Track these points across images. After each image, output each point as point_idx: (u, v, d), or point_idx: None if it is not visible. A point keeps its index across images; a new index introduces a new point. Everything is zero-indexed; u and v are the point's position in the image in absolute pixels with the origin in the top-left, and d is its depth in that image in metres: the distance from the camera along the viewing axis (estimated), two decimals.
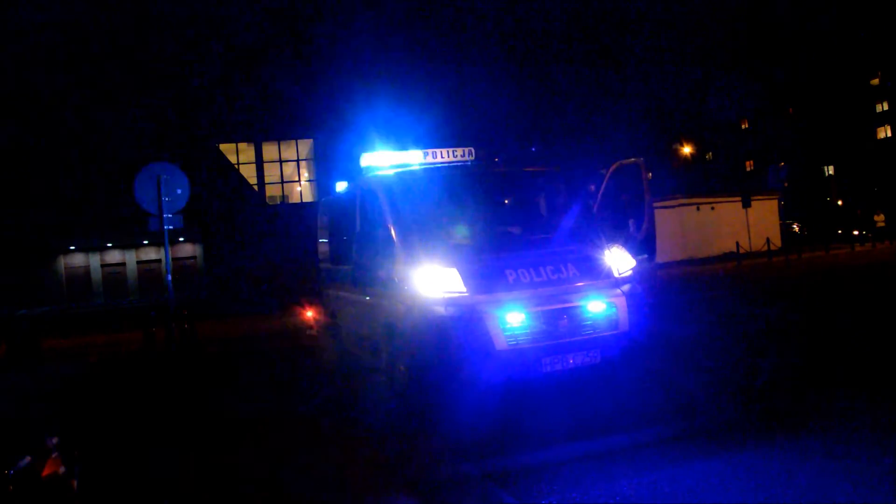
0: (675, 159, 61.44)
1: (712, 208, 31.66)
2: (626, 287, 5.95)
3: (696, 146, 62.14)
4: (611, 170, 7.37)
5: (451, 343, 5.37)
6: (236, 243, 31.63)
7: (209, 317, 18.64)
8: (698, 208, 31.46)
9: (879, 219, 34.56)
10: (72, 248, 35.99)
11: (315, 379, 8.59)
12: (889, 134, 57.97)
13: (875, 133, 59.00)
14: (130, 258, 37.11)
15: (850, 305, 11.45)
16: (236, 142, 36.01)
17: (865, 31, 56.17)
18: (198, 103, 33.25)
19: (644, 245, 6.83)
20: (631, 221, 6.94)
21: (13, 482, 3.22)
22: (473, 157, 7.05)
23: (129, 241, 35.68)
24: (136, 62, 33.17)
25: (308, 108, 35.18)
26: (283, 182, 37.46)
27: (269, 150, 36.82)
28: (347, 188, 8.00)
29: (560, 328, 5.52)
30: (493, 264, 5.73)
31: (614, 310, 5.75)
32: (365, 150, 6.93)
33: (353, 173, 7.73)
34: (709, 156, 73.05)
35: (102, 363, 11.86)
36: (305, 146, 37.37)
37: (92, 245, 35.85)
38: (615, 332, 5.71)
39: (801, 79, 61.13)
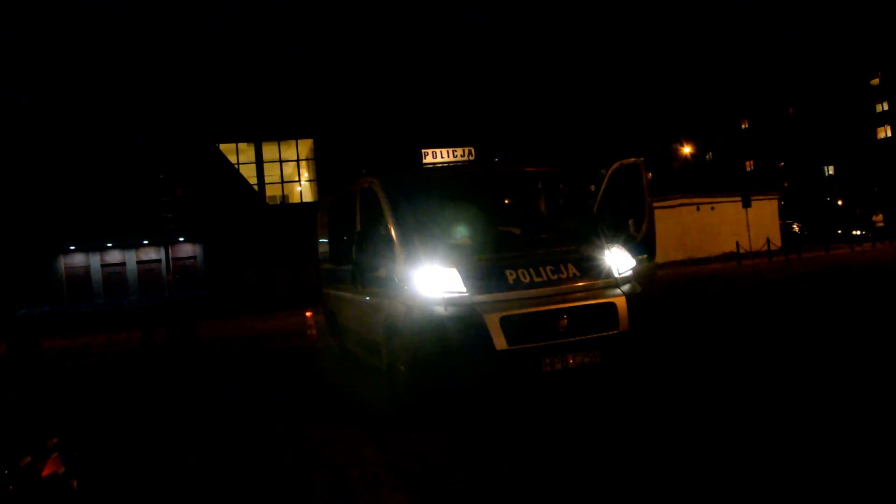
0: (675, 159, 61.47)
1: (712, 208, 31.67)
2: (626, 287, 5.95)
3: (696, 146, 62.14)
4: (611, 170, 7.39)
5: (451, 343, 5.38)
6: (236, 243, 31.63)
7: (209, 317, 18.64)
8: (698, 208, 31.48)
9: (878, 219, 34.48)
10: (72, 248, 36.00)
11: (315, 379, 8.60)
12: (889, 134, 58.01)
13: (875, 133, 59.03)
14: (130, 258, 37.10)
15: (850, 306, 11.46)
16: (236, 142, 36.01)
17: (865, 31, 56.19)
18: (198, 103, 33.26)
19: (643, 245, 6.84)
20: (631, 221, 6.95)
21: (13, 482, 3.22)
22: (473, 157, 7.04)
23: (129, 241, 35.68)
24: (136, 61, 33.18)
25: (308, 108, 35.19)
26: (283, 182, 37.46)
27: (269, 150, 36.82)
28: (347, 188, 8.01)
29: (560, 328, 5.52)
30: (492, 264, 5.73)
31: (614, 310, 5.75)
32: (365, 150, 6.94)
33: (353, 173, 7.73)
34: (709, 156, 73.09)
35: (102, 363, 11.87)
36: (305, 146, 37.37)
37: (92, 245, 35.85)
38: (615, 332, 5.71)
39: (801, 79, 61.13)
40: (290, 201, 37.64)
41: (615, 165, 7.33)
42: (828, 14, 57.34)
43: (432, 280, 5.58)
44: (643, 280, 6.34)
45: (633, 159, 7.11)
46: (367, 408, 6.55)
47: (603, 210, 7.30)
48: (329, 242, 9.06)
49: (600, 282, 5.90)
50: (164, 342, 12.03)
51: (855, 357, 7.04)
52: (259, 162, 36.34)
